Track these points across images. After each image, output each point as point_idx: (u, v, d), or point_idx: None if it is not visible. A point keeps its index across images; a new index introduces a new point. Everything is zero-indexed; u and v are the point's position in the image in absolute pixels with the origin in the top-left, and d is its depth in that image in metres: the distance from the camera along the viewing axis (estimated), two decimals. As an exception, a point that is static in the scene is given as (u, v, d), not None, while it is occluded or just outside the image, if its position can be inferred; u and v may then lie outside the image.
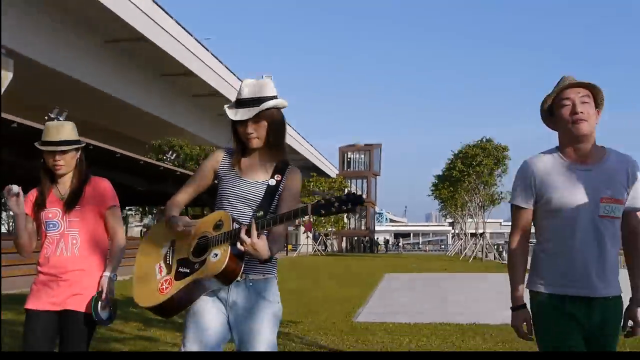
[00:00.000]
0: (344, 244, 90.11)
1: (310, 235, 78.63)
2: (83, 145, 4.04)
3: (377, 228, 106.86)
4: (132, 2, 29.95)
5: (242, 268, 3.17)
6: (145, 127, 42.57)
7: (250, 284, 3.28)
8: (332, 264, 39.24)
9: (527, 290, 3.26)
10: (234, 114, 3.27)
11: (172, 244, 3.36)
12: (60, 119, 19.95)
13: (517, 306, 3.27)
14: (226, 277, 3.12)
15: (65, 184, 3.97)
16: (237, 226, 3.15)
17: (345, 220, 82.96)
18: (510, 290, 3.28)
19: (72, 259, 3.83)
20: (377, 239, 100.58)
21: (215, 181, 3.49)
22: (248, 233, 3.01)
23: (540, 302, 3.17)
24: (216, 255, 3.12)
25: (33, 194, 3.97)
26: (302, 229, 77.35)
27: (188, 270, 3.21)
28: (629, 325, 3.18)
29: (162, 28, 33.39)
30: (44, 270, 3.87)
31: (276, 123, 3.36)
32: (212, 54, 42.37)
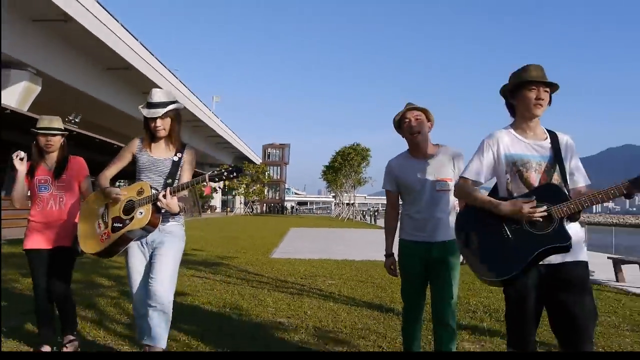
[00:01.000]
0: (264, 208, 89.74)
1: (243, 201, 78.32)
2: (67, 133, 3.87)
3: (286, 198, 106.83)
4: (125, 43, 29.03)
5: (160, 219, 3.13)
6: (129, 125, 40.89)
7: (163, 229, 3.19)
8: (256, 221, 38.81)
9: (399, 238, 3.27)
10: (147, 113, 3.15)
11: (106, 207, 3.24)
12: (77, 120, 19.09)
13: (387, 254, 3.29)
14: (150, 227, 3.08)
15: (52, 159, 3.75)
16: (154, 192, 3.08)
17: (266, 192, 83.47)
18: (385, 243, 3.31)
19: (59, 212, 3.67)
20: (286, 205, 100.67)
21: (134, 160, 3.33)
22: (164, 196, 2.99)
23: (402, 245, 3.22)
24: (142, 213, 3.06)
25: (27, 165, 3.74)
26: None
27: (121, 225, 3.11)
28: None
29: (146, 61, 32.56)
30: (36, 220, 3.68)
31: (176, 119, 3.27)
32: (176, 78, 41.22)
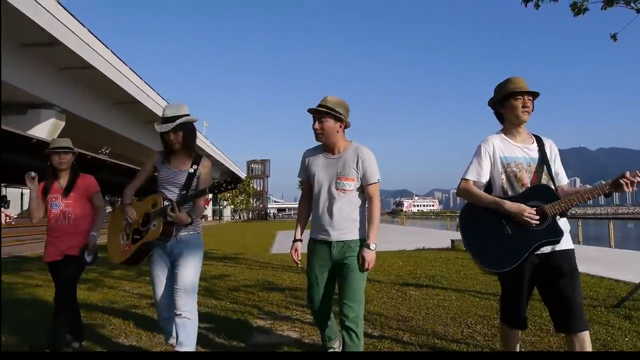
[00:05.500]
0: (250, 215, 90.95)
1: (231, 208, 78.90)
2: (77, 152, 3.69)
3: (268, 206, 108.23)
4: (133, 83, 30.26)
5: (174, 230, 2.96)
6: (139, 152, 41.72)
7: (180, 238, 2.99)
8: (246, 227, 39.86)
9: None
10: (159, 128, 2.94)
11: (128, 220, 3.09)
12: (107, 152, 20.15)
13: (294, 240, 3.02)
14: (164, 237, 2.92)
15: (64, 178, 3.58)
16: (167, 203, 2.89)
17: (251, 201, 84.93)
18: (295, 230, 3.04)
19: (68, 227, 3.47)
20: (269, 211, 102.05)
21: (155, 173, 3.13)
22: (173, 209, 2.82)
23: (309, 242, 2.93)
24: (155, 225, 2.91)
25: (42, 185, 3.57)
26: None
27: (139, 237, 3.00)
28: (360, 261, 2.76)
29: (148, 95, 33.66)
30: (50, 234, 3.54)
31: (189, 132, 3.00)
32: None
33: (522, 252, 2.42)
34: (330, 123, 2.78)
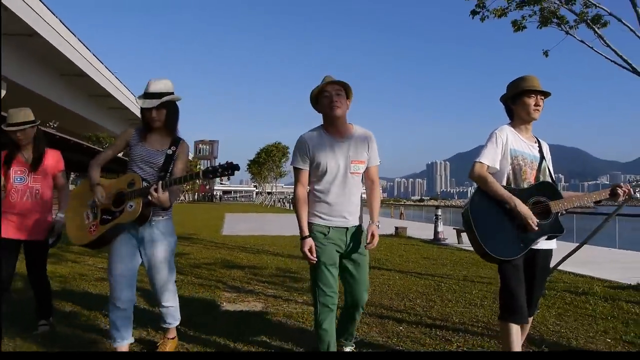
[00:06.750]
0: (196, 196, 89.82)
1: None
2: (38, 123, 3.44)
3: (214, 187, 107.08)
4: (80, 53, 29.19)
5: (151, 213, 2.77)
6: (83, 126, 40.25)
7: (154, 223, 2.81)
8: (193, 208, 39.56)
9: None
10: (142, 103, 2.76)
11: None
12: (55, 126, 19.39)
13: (304, 236, 2.70)
14: (140, 221, 2.72)
15: (28, 151, 3.37)
16: (145, 184, 2.70)
17: (198, 182, 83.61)
18: (298, 226, 2.74)
19: (34, 204, 3.31)
20: (215, 193, 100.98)
21: (128, 149, 2.92)
22: (156, 190, 2.63)
23: (316, 230, 2.72)
24: (132, 206, 2.69)
25: (3, 154, 3.34)
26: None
27: (110, 217, 2.75)
28: (369, 238, 2.68)
29: (95, 67, 32.64)
30: (10, 211, 3.26)
31: (172, 111, 2.84)
32: (120, 80, 40.86)
33: (528, 243, 2.54)
34: (344, 97, 2.74)
